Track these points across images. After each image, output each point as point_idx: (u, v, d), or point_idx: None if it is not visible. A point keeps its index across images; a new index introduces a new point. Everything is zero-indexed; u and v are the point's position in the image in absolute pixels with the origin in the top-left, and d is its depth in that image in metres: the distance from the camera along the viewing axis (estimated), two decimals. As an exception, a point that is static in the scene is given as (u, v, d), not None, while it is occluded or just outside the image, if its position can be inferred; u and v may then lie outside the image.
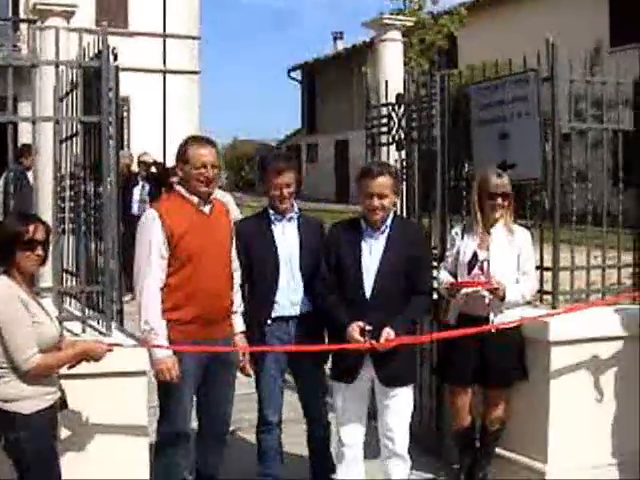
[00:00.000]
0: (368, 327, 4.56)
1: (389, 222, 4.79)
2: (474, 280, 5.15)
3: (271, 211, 5.13)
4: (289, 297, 5.05)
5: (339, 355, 4.81)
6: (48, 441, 3.84)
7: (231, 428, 6.51)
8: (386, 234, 4.77)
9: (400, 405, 4.82)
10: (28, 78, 5.87)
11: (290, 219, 5.15)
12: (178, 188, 4.79)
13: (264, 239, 5.06)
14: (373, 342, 4.54)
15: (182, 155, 4.73)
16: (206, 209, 4.76)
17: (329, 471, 5.33)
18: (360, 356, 4.69)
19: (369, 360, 4.71)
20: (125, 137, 23.95)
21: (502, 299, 5.05)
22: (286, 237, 5.08)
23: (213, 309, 4.70)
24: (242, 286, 5.02)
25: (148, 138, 23.03)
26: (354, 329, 4.58)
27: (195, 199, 4.72)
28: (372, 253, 4.75)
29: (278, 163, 5.09)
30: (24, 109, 5.65)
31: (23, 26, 23.00)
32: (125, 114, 24.20)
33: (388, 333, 4.56)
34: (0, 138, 5.17)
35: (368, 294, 4.69)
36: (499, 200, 5.20)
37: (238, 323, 4.95)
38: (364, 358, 4.71)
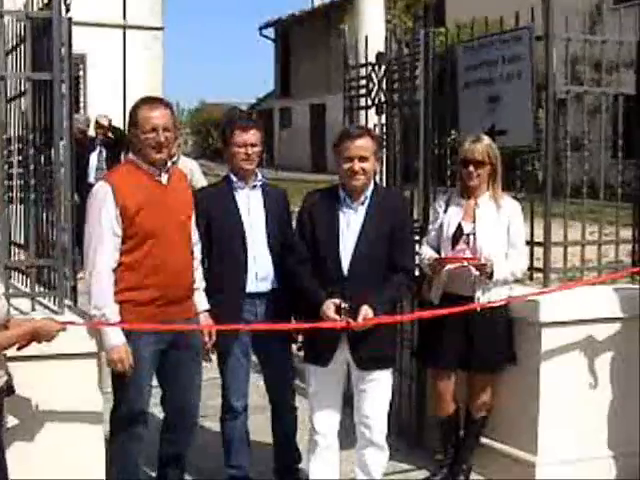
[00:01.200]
0: (344, 305, 4.55)
1: (369, 192, 4.76)
2: (459, 255, 5.15)
3: (234, 178, 5.10)
4: (256, 272, 5.03)
5: (313, 335, 4.79)
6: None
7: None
8: (366, 205, 4.75)
9: (378, 390, 4.82)
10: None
11: (254, 187, 5.13)
12: (131, 157, 4.70)
13: (227, 208, 5.04)
14: (350, 321, 4.54)
15: (132, 119, 4.65)
16: (163, 179, 4.67)
17: (294, 460, 5.37)
18: (336, 337, 4.68)
19: (345, 341, 4.70)
20: (81, 99, 23.72)
21: (490, 277, 5.06)
22: (251, 206, 5.08)
23: (174, 289, 4.64)
24: (202, 261, 4.99)
25: (106, 101, 22.72)
26: (329, 307, 4.57)
27: (151, 168, 4.63)
28: (350, 225, 4.72)
29: (242, 121, 5.08)
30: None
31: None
32: (81, 73, 23.94)
33: (366, 311, 4.55)
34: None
35: (345, 270, 4.67)
36: (470, 167, 5.19)
37: (201, 301, 4.91)
38: (340, 339, 4.70)
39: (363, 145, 4.69)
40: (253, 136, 5.03)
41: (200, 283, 4.92)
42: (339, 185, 4.83)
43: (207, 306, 4.93)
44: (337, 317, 4.55)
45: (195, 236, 4.87)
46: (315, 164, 33.69)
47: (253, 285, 5.03)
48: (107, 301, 4.47)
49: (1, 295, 4.04)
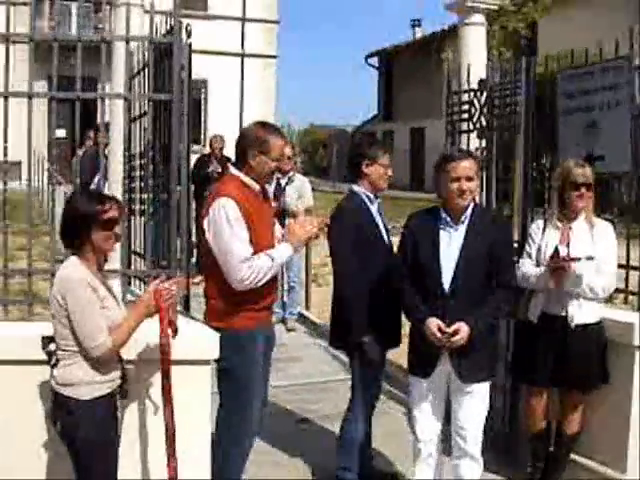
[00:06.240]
0: (447, 329, 4.38)
1: (469, 212, 4.56)
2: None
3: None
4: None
5: (416, 348, 4.67)
6: (104, 430, 3.68)
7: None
8: (466, 224, 4.55)
9: (475, 402, 4.60)
10: (109, 59, 5.76)
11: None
12: (238, 174, 4.47)
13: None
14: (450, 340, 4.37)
15: (260, 143, 4.40)
16: (261, 195, 4.58)
17: (364, 467, 5.21)
18: (438, 351, 4.51)
19: (446, 355, 4.53)
20: (202, 119, 24.06)
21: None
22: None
23: (275, 295, 4.76)
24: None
25: (225, 122, 22.91)
26: (432, 323, 4.39)
27: (257, 187, 4.50)
28: (451, 244, 4.53)
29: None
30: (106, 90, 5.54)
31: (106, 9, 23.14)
32: (203, 96, 24.31)
33: (460, 327, 4.36)
34: (82, 117, 4.94)
35: (447, 288, 4.48)
36: (583, 190, 4.95)
37: None
38: (441, 353, 4.53)
39: (469, 166, 4.52)
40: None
41: None
42: (439, 207, 4.63)
43: None
44: (439, 334, 4.38)
45: None
46: (414, 183, 33.53)
47: None
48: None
49: (121, 302, 3.96)
